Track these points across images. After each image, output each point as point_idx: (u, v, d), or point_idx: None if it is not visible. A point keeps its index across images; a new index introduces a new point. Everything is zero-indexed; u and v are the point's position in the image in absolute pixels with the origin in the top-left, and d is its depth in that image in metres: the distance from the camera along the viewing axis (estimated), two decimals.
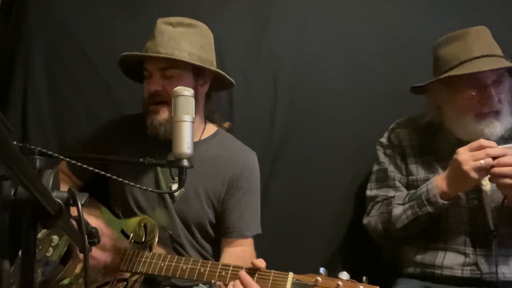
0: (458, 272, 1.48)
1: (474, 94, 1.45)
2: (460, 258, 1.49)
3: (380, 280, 1.17)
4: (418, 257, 1.54)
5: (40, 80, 1.86)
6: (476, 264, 1.47)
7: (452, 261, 1.49)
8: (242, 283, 1.21)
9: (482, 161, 1.35)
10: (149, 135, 1.49)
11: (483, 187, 1.51)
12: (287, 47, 1.93)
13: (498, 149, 1.36)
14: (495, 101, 1.44)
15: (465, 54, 1.46)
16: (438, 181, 1.45)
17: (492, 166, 1.35)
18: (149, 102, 1.49)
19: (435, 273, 1.50)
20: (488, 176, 1.39)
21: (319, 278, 1.17)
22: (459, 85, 1.47)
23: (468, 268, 1.48)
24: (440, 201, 1.43)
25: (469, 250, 1.49)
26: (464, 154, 1.38)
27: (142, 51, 1.49)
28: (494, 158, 1.35)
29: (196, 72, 1.51)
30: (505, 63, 1.45)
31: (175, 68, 1.46)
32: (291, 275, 1.20)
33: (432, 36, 1.62)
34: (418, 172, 1.57)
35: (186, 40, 1.48)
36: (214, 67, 1.54)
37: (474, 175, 1.36)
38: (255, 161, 1.61)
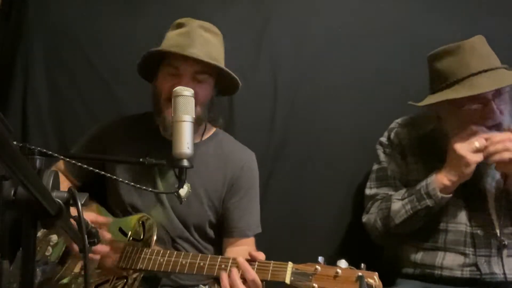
0: (457, 273, 1.48)
1: (475, 108, 1.44)
2: (460, 259, 1.49)
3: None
4: (418, 258, 1.54)
5: (40, 80, 1.85)
6: (475, 264, 1.47)
7: (451, 261, 1.49)
8: (241, 269, 1.21)
9: (476, 143, 1.40)
10: (165, 130, 1.46)
11: (487, 192, 1.51)
12: (287, 47, 1.93)
13: (489, 132, 1.41)
14: (497, 114, 1.43)
15: (462, 70, 1.43)
16: (438, 175, 1.46)
17: (486, 148, 1.40)
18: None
19: (435, 274, 1.50)
20: (485, 166, 1.42)
21: (318, 267, 1.18)
22: (460, 100, 1.43)
23: (468, 269, 1.48)
24: (440, 194, 1.44)
25: (469, 250, 1.49)
26: (458, 141, 1.42)
27: (170, 46, 1.44)
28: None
29: (216, 80, 1.51)
30: (504, 77, 1.42)
31: (206, 73, 1.46)
32: (290, 264, 1.21)
33: (432, 35, 1.62)
34: (419, 173, 1.56)
35: (215, 48, 1.49)
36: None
37: (470, 157, 1.40)
38: (254, 161, 1.62)
